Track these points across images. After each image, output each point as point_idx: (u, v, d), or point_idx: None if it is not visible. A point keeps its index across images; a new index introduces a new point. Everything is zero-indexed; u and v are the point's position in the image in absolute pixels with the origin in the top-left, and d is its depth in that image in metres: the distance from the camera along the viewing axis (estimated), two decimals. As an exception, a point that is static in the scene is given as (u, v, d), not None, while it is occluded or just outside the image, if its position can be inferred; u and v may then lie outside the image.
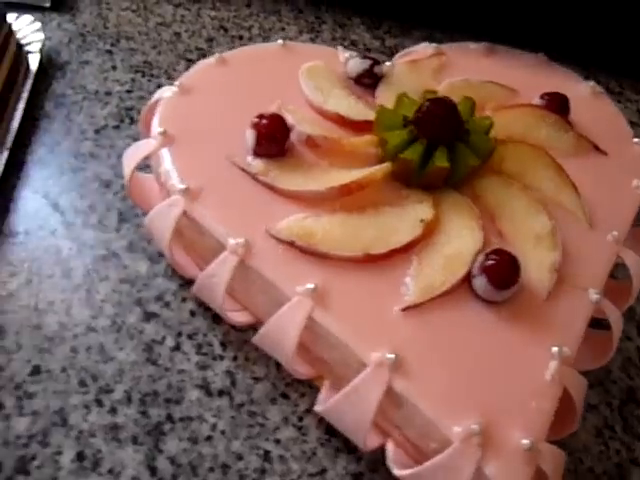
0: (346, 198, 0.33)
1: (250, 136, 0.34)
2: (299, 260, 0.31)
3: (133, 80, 0.48)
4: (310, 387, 0.33)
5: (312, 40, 0.53)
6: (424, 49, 0.45)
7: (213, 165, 0.35)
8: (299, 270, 0.31)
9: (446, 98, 0.34)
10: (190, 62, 0.50)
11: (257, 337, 0.32)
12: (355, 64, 0.40)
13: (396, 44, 0.54)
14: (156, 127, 0.36)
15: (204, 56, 0.50)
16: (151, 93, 0.47)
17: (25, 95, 0.44)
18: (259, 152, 0.34)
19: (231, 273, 0.31)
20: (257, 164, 0.34)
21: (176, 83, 0.39)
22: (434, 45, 0.44)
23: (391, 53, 0.52)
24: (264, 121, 0.34)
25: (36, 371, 0.33)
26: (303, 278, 0.30)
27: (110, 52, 0.50)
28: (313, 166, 0.35)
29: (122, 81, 0.48)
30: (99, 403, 0.32)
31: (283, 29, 0.54)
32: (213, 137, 0.36)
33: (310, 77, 0.40)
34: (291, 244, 0.31)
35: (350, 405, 0.29)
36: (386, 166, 0.33)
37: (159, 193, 0.38)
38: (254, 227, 0.32)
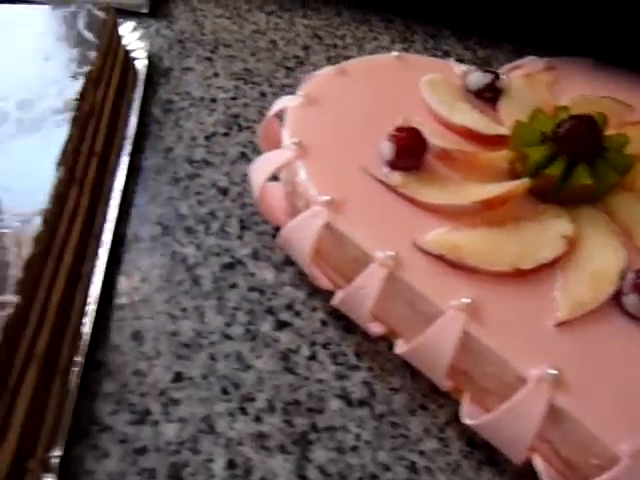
0: (487, 212, 0.34)
1: (387, 148, 0.35)
2: (449, 273, 0.31)
3: (236, 87, 0.48)
4: (448, 399, 0.34)
5: (405, 50, 0.53)
6: (532, 62, 0.45)
7: (348, 176, 0.35)
8: (450, 284, 0.31)
9: (587, 115, 0.34)
10: (289, 70, 0.50)
11: (407, 350, 0.32)
12: (477, 78, 0.40)
13: (487, 55, 0.54)
14: (288, 138, 0.37)
15: (302, 64, 0.51)
16: (255, 100, 0.48)
17: (137, 102, 0.45)
18: (397, 165, 0.35)
19: (381, 285, 0.31)
20: (395, 177, 0.35)
21: (300, 93, 0.39)
22: (545, 59, 0.44)
23: (483, 64, 0.53)
24: (403, 134, 0.35)
25: (178, 378, 0.33)
26: (454, 292, 0.31)
27: (210, 59, 0.50)
28: (448, 180, 0.35)
29: (225, 88, 0.48)
30: (243, 411, 0.32)
31: (375, 38, 0.54)
32: (343, 148, 0.37)
33: (433, 90, 0.40)
34: (440, 257, 0.32)
35: (510, 420, 0.29)
36: (526, 181, 0.34)
37: (284, 202, 0.38)
38: (399, 239, 0.32)
